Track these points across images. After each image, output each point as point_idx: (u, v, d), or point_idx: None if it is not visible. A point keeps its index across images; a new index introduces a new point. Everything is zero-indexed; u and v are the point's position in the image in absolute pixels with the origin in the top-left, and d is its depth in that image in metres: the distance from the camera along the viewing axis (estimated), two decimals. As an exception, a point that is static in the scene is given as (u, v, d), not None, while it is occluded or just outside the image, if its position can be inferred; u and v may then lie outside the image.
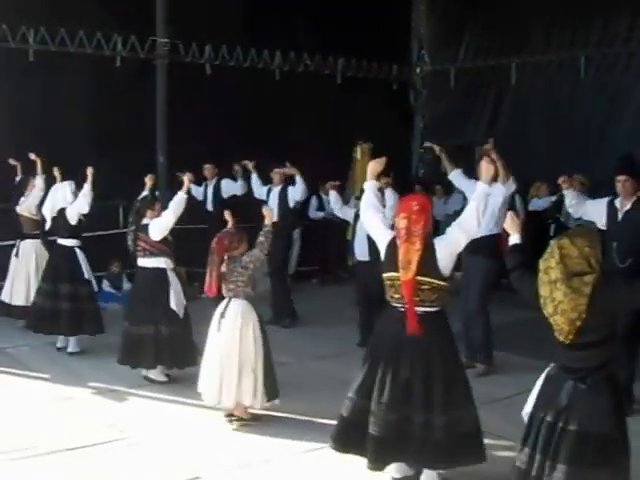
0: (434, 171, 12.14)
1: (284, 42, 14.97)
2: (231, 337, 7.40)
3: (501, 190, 8.84)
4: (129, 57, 13.63)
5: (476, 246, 8.94)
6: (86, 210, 9.94)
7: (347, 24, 14.91)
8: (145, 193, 9.56)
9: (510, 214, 5.74)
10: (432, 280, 5.89)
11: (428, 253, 5.89)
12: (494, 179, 8.80)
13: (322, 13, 14.92)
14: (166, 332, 8.63)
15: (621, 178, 8.08)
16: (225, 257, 7.54)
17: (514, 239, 5.57)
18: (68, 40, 13.00)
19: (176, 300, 8.70)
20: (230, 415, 7.60)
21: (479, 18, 15.90)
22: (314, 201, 14.79)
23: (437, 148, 10.15)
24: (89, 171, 9.95)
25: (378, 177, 6.84)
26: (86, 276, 9.99)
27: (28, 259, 11.05)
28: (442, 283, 5.94)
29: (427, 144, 11.56)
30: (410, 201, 6.17)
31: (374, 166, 6.61)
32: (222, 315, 7.49)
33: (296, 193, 11.83)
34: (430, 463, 6.07)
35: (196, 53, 14.32)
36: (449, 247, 5.97)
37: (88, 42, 13.20)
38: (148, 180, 9.69)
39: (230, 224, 7.87)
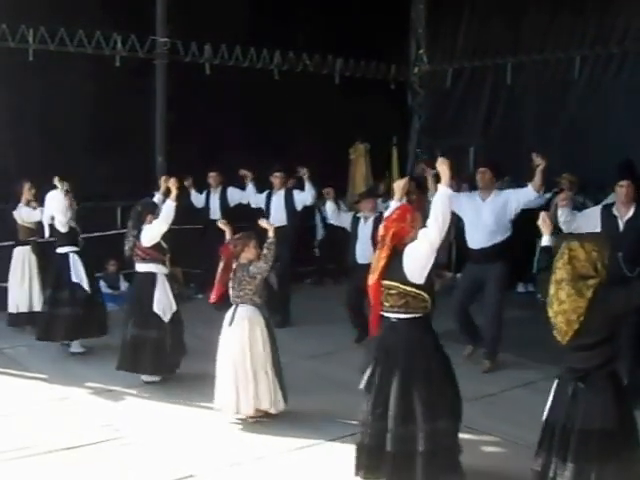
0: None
1: (283, 42, 14.98)
2: (240, 344, 7.52)
3: (532, 195, 9.18)
4: (129, 56, 13.64)
5: (491, 254, 9.13)
6: (63, 220, 9.93)
7: (345, 24, 15.00)
8: (158, 196, 9.62)
9: (543, 215, 5.77)
10: (398, 285, 5.90)
11: (396, 258, 5.93)
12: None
13: (321, 13, 14.97)
14: (155, 337, 8.73)
15: (624, 183, 8.10)
16: (234, 264, 7.66)
17: (545, 240, 5.65)
18: (67, 40, 13.01)
19: (161, 304, 8.76)
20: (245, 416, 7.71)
21: (475, 18, 15.94)
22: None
23: (431, 172, 10.18)
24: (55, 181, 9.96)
25: (406, 195, 6.88)
26: (74, 279, 9.99)
27: (16, 265, 11.09)
28: (410, 289, 5.88)
29: (422, 165, 11.63)
30: (395, 210, 6.29)
31: (399, 186, 6.73)
32: (230, 323, 7.61)
33: (307, 198, 11.91)
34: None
35: (195, 52, 14.35)
36: (413, 254, 5.90)
37: (88, 42, 13.21)
38: (164, 183, 9.70)
39: (228, 235, 7.99)
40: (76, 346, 10.11)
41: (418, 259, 5.90)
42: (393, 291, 5.94)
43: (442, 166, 6.03)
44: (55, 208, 9.92)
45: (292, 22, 14.93)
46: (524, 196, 9.20)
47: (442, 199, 5.93)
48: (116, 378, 8.86)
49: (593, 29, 14.24)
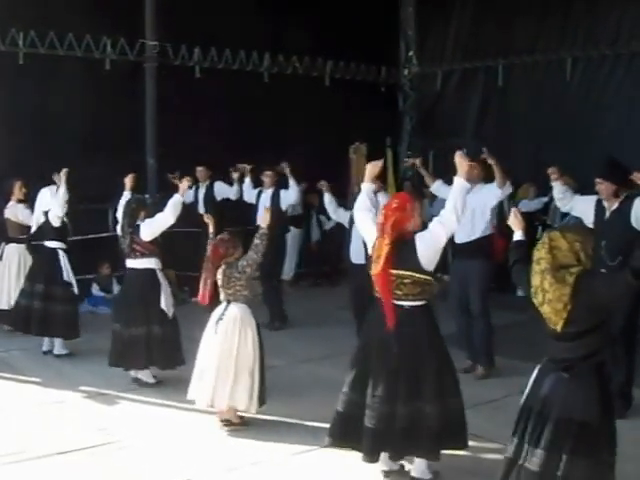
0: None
1: (273, 44, 15.04)
2: (229, 341, 7.43)
3: (497, 193, 9.01)
4: (118, 60, 13.65)
5: (472, 249, 9.17)
6: (59, 213, 9.95)
7: (335, 26, 14.99)
8: (126, 194, 9.58)
9: (514, 211, 5.83)
10: (413, 274, 6.03)
11: (408, 247, 6.03)
12: (485, 180, 9.04)
13: (311, 15, 14.96)
14: (158, 332, 8.71)
15: (598, 181, 8.20)
16: (222, 264, 7.59)
17: (517, 235, 5.67)
18: (57, 43, 13.01)
19: (166, 300, 8.77)
20: (225, 420, 7.63)
21: (466, 19, 16.00)
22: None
23: (417, 162, 10.26)
24: (62, 173, 9.96)
25: (376, 180, 6.91)
26: (65, 278, 10.01)
27: (11, 263, 11.05)
28: (424, 277, 6.07)
29: (407, 161, 11.72)
30: (393, 198, 6.41)
31: (371, 169, 6.72)
32: (220, 318, 7.52)
33: (289, 197, 11.86)
34: (418, 452, 6.21)
35: (185, 55, 14.36)
36: (429, 242, 6.07)
37: (77, 45, 13.21)
38: (128, 180, 9.71)
39: (211, 228, 7.94)
40: (59, 347, 10.08)
41: (434, 246, 6.09)
42: (407, 280, 6.06)
43: (460, 159, 6.21)
44: (55, 202, 9.90)
45: (282, 25, 14.97)
46: (494, 192, 9.14)
47: (460, 190, 6.13)
48: (110, 381, 8.82)
49: (584, 30, 14.32)
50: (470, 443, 6.44)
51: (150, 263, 8.81)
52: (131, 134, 13.21)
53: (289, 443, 7.26)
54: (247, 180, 12.52)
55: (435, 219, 6.19)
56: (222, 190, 12.98)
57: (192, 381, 7.64)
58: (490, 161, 8.87)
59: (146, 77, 13.47)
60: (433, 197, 14.36)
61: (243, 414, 7.66)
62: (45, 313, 9.95)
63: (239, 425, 7.63)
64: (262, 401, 7.61)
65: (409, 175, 16.57)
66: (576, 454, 4.84)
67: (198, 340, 7.72)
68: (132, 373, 8.95)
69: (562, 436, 4.88)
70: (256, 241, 7.57)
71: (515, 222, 5.71)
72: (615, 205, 8.14)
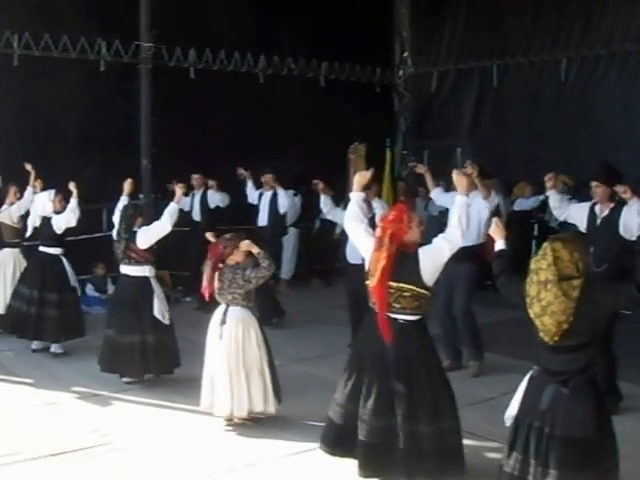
0: (416, 173, 12.25)
1: (268, 45, 15.05)
2: (235, 345, 7.43)
3: (484, 205, 9.00)
4: (113, 61, 13.66)
5: (461, 255, 9.19)
6: (74, 224, 10.04)
7: (330, 27, 15.03)
8: (123, 198, 9.58)
9: (495, 220, 5.84)
10: (414, 288, 6.00)
11: (410, 261, 6.00)
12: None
13: (305, 16, 14.99)
14: (152, 340, 8.70)
15: (592, 184, 8.24)
16: (220, 265, 7.54)
17: (499, 245, 5.66)
18: (52, 45, 13.02)
19: (159, 308, 8.74)
20: (229, 419, 7.63)
21: (460, 20, 16.02)
22: None
23: (423, 168, 10.23)
24: (72, 186, 9.99)
25: (365, 188, 6.89)
26: (72, 284, 10.13)
27: (6, 267, 11.01)
28: (424, 291, 6.04)
29: (412, 163, 11.70)
30: (390, 211, 6.38)
31: (359, 179, 6.71)
32: (222, 321, 7.50)
33: (283, 203, 11.95)
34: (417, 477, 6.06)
35: (180, 57, 14.36)
36: (433, 257, 6.07)
37: (72, 47, 13.22)
38: (127, 185, 9.71)
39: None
40: (57, 346, 10.11)
41: (437, 262, 6.10)
42: (407, 293, 6.03)
43: (459, 177, 6.32)
44: (70, 214, 9.97)
45: (276, 26, 15.01)
46: (483, 204, 9.12)
47: (461, 206, 6.19)
48: (103, 382, 8.81)
49: (578, 31, 14.34)
50: (469, 442, 6.44)
51: (144, 271, 8.81)
52: (125, 135, 13.26)
53: (287, 443, 7.24)
54: (249, 183, 12.68)
55: (440, 235, 6.20)
56: (213, 198, 13.09)
57: (203, 389, 7.60)
58: (469, 172, 8.75)
59: (141, 78, 13.51)
60: (428, 198, 14.40)
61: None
62: (62, 320, 10.02)
63: (246, 421, 7.61)
64: (279, 398, 7.63)
65: (403, 175, 16.59)
66: (584, 469, 4.87)
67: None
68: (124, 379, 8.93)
69: (568, 453, 4.88)
70: (264, 263, 7.45)
71: (496, 231, 5.72)
72: (605, 212, 8.17)
